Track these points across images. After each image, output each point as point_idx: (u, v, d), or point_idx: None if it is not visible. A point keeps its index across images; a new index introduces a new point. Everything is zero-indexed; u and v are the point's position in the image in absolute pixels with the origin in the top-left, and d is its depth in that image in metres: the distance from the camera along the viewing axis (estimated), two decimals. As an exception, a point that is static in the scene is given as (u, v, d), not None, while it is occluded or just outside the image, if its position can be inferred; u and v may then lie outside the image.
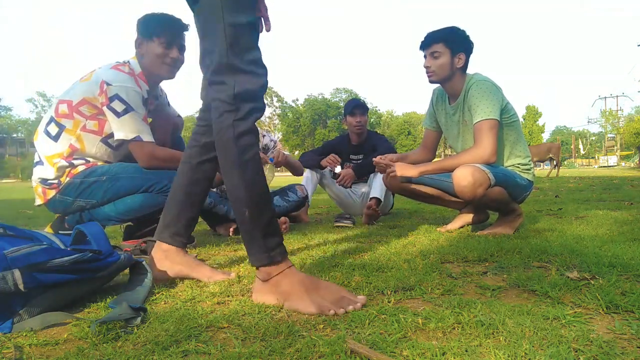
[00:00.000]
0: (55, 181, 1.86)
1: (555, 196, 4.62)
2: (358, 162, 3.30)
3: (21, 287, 0.98)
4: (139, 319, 0.98)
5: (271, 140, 2.95)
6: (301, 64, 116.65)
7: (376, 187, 2.98)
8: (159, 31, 1.95)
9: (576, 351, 0.76)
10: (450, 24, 2.30)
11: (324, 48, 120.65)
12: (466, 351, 0.77)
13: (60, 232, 1.93)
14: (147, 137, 1.83)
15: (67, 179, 1.87)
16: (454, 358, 0.75)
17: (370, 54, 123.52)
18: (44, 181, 1.87)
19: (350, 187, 3.20)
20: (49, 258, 1.04)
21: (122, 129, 1.80)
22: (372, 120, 58.70)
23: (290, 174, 2.97)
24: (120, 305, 1.00)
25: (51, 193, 1.89)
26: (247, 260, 1.65)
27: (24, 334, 0.95)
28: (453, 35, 2.19)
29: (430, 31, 2.23)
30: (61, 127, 1.85)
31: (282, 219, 2.54)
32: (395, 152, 3.17)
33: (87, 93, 1.84)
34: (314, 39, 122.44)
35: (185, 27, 2.00)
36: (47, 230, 1.98)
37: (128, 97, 1.80)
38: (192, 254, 1.74)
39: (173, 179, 1.89)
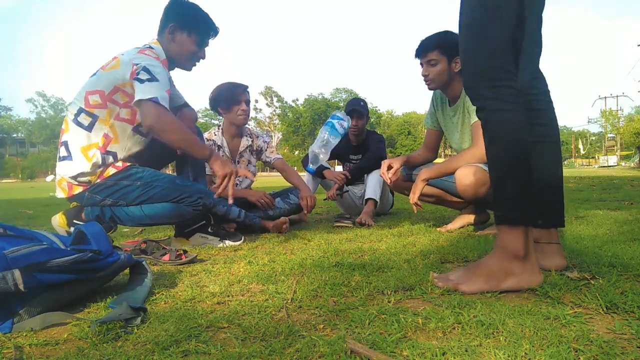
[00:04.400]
0: (86, 179, 1.87)
1: (555, 196, 4.61)
2: (358, 161, 3.30)
3: (21, 287, 0.98)
4: (139, 319, 0.98)
5: (264, 142, 2.93)
6: (301, 64, 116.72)
7: (370, 187, 2.97)
8: (197, 29, 1.99)
9: (576, 351, 0.76)
10: (444, 28, 2.24)
11: (324, 48, 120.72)
12: (466, 351, 0.77)
13: (74, 221, 1.94)
14: (165, 103, 1.80)
15: (98, 180, 1.88)
16: (454, 358, 0.75)
17: (370, 53, 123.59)
18: (74, 177, 1.87)
19: (342, 196, 3.17)
20: (49, 258, 1.04)
21: (142, 91, 1.76)
22: (372, 120, 58.70)
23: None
24: (120, 305, 1.00)
25: (78, 189, 1.89)
26: (248, 260, 1.66)
27: (24, 334, 0.95)
28: (447, 40, 2.15)
29: (424, 38, 2.20)
30: (94, 117, 1.86)
31: (282, 219, 2.54)
32: (384, 154, 3.18)
33: (118, 80, 1.84)
34: (314, 39, 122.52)
35: (217, 32, 2.07)
36: (59, 216, 1.98)
37: (155, 70, 1.81)
38: (192, 254, 1.74)
39: (203, 194, 1.95)
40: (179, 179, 2.00)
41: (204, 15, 2.03)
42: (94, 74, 1.93)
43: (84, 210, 1.95)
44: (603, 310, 0.97)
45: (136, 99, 1.78)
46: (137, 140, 1.95)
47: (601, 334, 0.85)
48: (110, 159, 1.88)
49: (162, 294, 1.24)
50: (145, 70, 1.80)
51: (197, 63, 2.09)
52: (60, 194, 1.95)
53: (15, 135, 58.80)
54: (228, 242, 2.09)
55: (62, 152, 1.91)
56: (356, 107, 3.16)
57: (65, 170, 1.89)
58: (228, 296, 1.19)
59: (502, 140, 1.18)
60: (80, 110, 1.87)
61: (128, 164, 1.94)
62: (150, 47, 1.94)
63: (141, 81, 1.78)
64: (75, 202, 1.98)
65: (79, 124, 1.86)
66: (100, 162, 1.86)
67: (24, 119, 58.24)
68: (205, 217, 2.15)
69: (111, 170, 1.88)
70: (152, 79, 1.79)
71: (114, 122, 1.87)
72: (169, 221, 1.95)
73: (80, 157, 1.86)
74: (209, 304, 1.13)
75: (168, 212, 1.91)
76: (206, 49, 2.09)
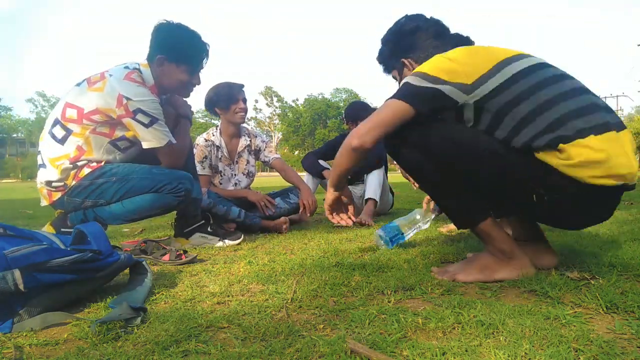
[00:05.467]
0: (61, 184, 1.85)
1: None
2: None
3: (21, 287, 0.98)
4: (139, 319, 0.98)
5: (262, 141, 2.93)
6: (301, 64, 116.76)
7: (370, 187, 2.97)
8: (187, 59, 1.92)
9: (576, 351, 0.76)
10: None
11: (324, 47, 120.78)
12: (466, 351, 0.77)
13: (62, 229, 1.93)
14: (172, 137, 1.91)
15: (74, 182, 1.85)
16: (454, 358, 0.75)
17: (370, 53, 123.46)
18: (48, 183, 1.86)
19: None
20: (49, 258, 1.04)
21: (154, 139, 1.84)
22: (372, 120, 58.49)
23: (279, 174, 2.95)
24: (120, 305, 1.00)
25: (57, 195, 1.88)
26: (248, 260, 1.66)
27: (24, 334, 0.95)
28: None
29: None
30: (68, 131, 1.83)
31: (282, 219, 2.54)
32: (383, 154, 3.17)
33: (102, 104, 1.79)
34: (315, 39, 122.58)
35: (208, 54, 1.99)
36: (47, 228, 1.97)
37: (149, 108, 1.81)
38: (192, 254, 1.74)
39: (183, 180, 1.91)
40: (157, 168, 1.93)
41: (193, 43, 1.93)
42: (79, 84, 1.89)
43: (69, 217, 1.94)
44: (603, 310, 0.97)
45: (151, 146, 1.85)
46: (112, 154, 1.91)
47: (601, 334, 0.85)
48: (81, 164, 1.86)
49: (162, 294, 1.24)
50: (142, 112, 1.79)
51: (192, 89, 2.03)
52: (43, 202, 1.94)
53: (15, 135, 58.83)
54: (228, 242, 2.09)
55: (39, 160, 1.90)
56: (352, 112, 3.17)
57: (42, 177, 1.88)
58: (228, 296, 1.19)
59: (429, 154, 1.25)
60: (56, 122, 1.85)
61: (103, 162, 1.90)
62: (139, 70, 1.87)
63: (145, 125, 1.81)
64: (59, 209, 1.97)
65: (53, 136, 1.84)
66: (71, 167, 1.84)
67: (24, 119, 58.29)
68: (205, 216, 2.15)
69: (86, 170, 1.85)
70: (153, 119, 1.82)
71: (90, 135, 1.83)
72: (154, 213, 1.92)
73: (50, 166, 1.85)
74: (209, 304, 1.13)
75: (149, 203, 1.86)
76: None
